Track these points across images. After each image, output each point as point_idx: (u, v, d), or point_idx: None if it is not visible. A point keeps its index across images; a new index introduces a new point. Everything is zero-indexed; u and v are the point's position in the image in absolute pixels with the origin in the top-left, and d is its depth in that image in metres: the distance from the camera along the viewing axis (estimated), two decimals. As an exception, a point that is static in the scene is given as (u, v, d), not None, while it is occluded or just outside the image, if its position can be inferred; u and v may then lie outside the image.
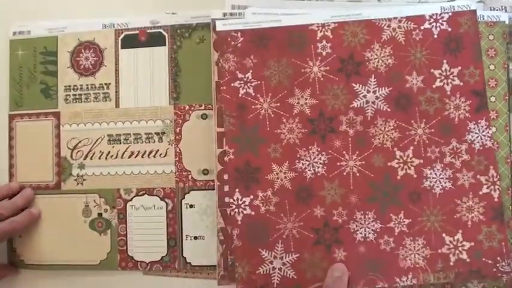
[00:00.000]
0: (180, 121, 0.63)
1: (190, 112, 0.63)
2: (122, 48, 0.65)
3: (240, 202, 0.58)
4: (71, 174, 0.64)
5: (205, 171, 0.62)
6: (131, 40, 0.65)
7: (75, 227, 0.64)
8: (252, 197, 0.58)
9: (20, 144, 0.66)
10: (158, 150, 0.63)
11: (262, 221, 0.58)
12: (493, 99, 0.58)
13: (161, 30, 0.64)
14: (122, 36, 0.65)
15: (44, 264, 0.64)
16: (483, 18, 0.59)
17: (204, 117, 0.63)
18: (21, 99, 0.66)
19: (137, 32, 0.65)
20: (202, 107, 0.63)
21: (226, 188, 0.59)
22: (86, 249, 0.63)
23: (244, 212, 0.58)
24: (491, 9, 0.61)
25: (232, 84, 0.59)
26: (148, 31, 0.65)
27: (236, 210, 0.58)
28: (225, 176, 0.59)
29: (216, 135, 0.59)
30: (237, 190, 0.58)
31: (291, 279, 0.57)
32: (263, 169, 0.58)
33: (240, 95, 0.59)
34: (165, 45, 0.64)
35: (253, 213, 0.58)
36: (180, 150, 0.63)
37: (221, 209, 0.59)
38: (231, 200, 0.58)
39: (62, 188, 0.64)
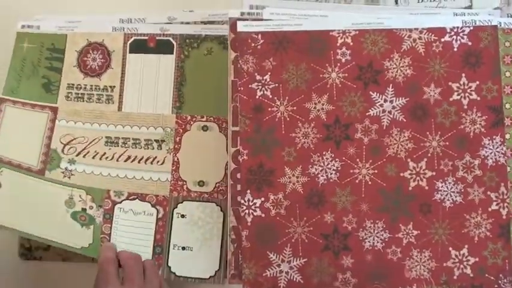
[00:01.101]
0: (181, 130, 0.63)
1: (192, 123, 0.63)
2: (129, 52, 0.65)
3: (250, 203, 0.58)
4: (58, 167, 0.63)
5: (201, 183, 0.62)
6: (140, 45, 0.65)
7: (56, 213, 0.62)
8: (263, 199, 0.58)
9: (4, 126, 0.63)
10: (156, 157, 0.63)
11: (272, 223, 0.58)
12: (508, 106, 0.58)
13: (170, 39, 0.64)
14: (130, 40, 0.65)
15: (16, 230, 0.61)
16: (500, 25, 0.59)
17: (204, 129, 0.63)
18: (18, 88, 0.65)
19: (146, 38, 0.65)
20: (204, 119, 0.63)
21: (239, 187, 0.59)
22: (67, 234, 0.61)
23: (255, 213, 0.58)
24: (508, 16, 0.61)
25: (250, 86, 0.59)
26: (157, 38, 0.64)
27: (246, 211, 0.58)
28: (238, 175, 0.59)
29: (231, 133, 0.60)
30: (248, 191, 0.58)
31: (298, 284, 0.57)
32: (276, 172, 0.58)
33: (257, 97, 0.59)
34: (172, 53, 0.64)
35: (263, 215, 0.58)
36: (178, 159, 0.63)
37: (233, 208, 0.59)
38: (242, 201, 0.59)
39: (46, 176, 0.63)
